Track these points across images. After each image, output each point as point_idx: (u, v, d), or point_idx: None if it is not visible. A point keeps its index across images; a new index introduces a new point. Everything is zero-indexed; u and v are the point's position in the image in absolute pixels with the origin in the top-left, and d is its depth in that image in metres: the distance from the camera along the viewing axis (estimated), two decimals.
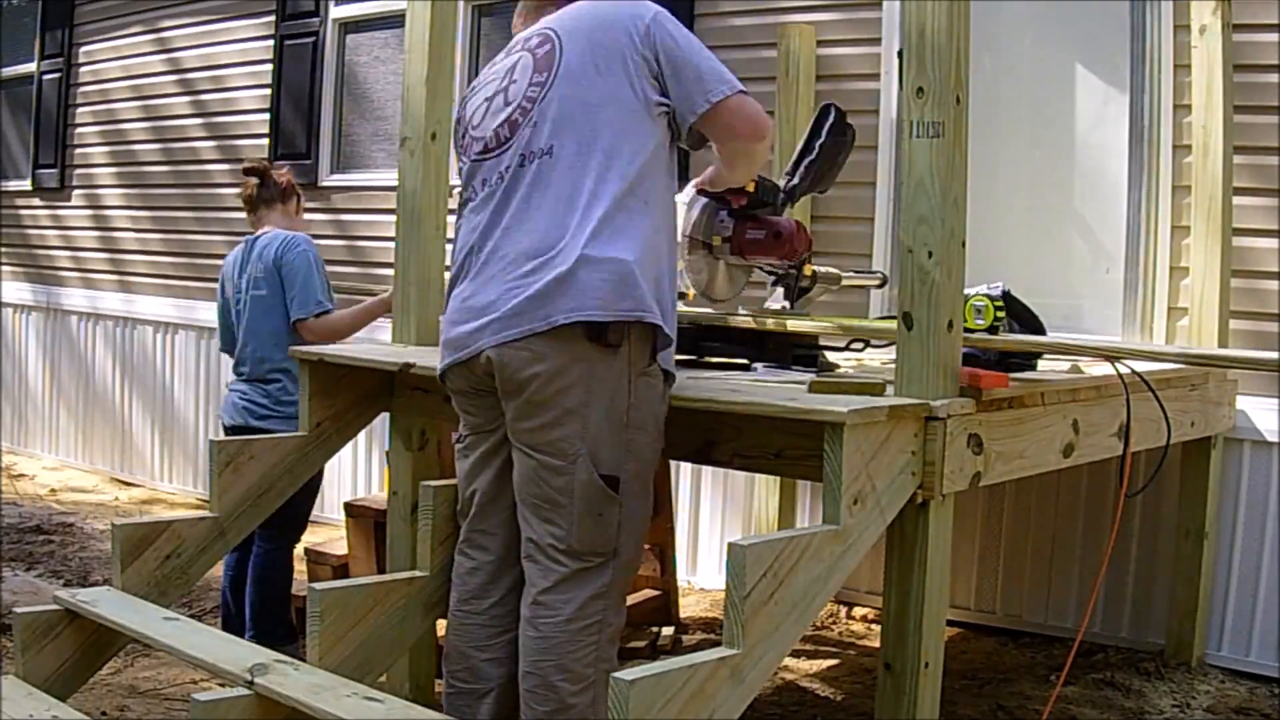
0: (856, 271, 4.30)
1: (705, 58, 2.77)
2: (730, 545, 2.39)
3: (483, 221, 2.77)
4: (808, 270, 3.67)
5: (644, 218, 2.67)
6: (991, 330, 3.17)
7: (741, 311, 3.67)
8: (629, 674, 2.22)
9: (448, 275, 3.86)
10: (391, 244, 3.83)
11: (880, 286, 4.38)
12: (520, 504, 2.79)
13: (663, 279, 2.72)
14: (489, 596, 2.89)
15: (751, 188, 3.40)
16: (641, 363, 2.68)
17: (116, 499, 7.00)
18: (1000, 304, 3.21)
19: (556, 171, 2.68)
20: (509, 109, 2.79)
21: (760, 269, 3.71)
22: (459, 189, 2.95)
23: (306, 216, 4.61)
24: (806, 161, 3.66)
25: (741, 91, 2.76)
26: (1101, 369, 3.38)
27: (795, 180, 3.66)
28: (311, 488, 4.01)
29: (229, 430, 4.22)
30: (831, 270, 3.87)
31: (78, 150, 7.96)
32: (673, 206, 2.86)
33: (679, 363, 3.35)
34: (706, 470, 5.22)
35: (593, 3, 2.85)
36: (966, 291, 3.09)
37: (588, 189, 2.65)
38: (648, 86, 2.72)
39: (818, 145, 3.66)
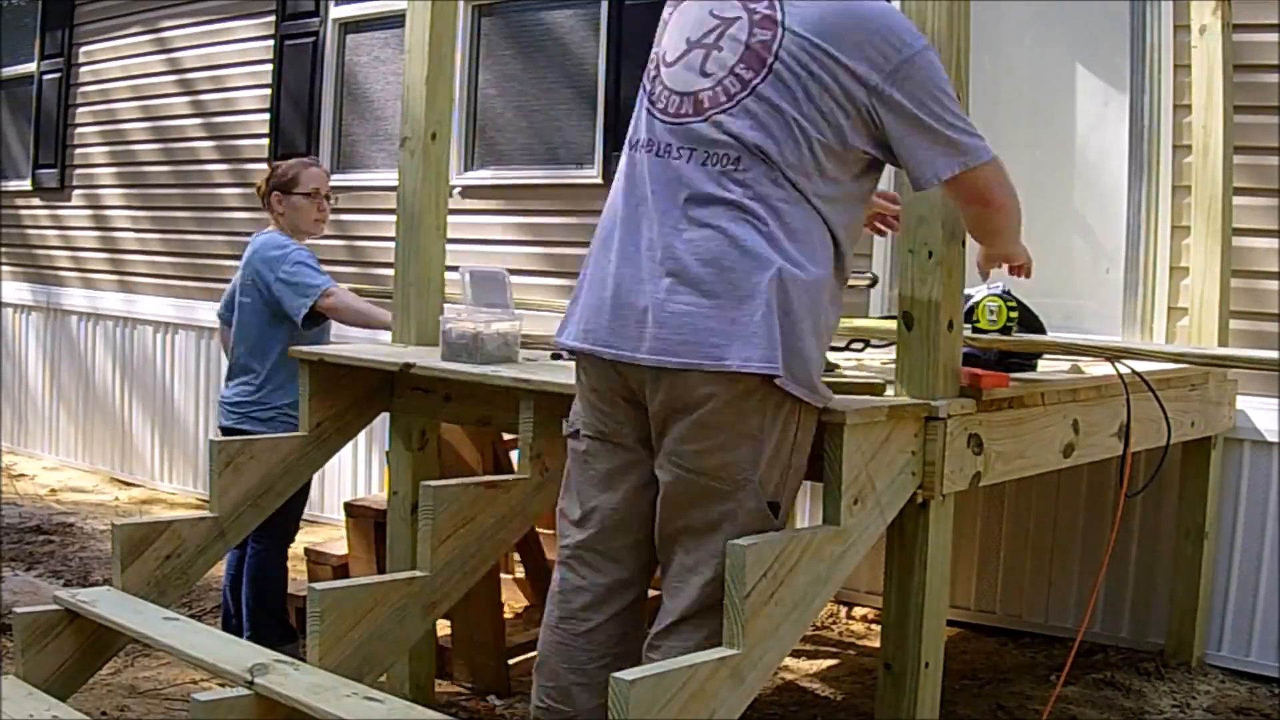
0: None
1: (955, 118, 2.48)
2: (730, 545, 2.39)
3: (648, 196, 2.48)
4: None
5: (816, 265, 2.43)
6: (1004, 331, 3.17)
7: None
8: (629, 674, 2.22)
9: (449, 275, 3.89)
10: (391, 244, 3.83)
11: (870, 286, 4.41)
12: (667, 531, 2.56)
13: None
14: (592, 620, 2.67)
15: None
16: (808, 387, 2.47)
17: (116, 499, 7.00)
18: (1013, 304, 3.21)
19: (743, 187, 2.40)
20: (706, 82, 2.46)
21: None
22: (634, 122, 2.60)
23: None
24: None
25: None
26: (1101, 369, 3.38)
27: None
28: (302, 487, 4.02)
29: (224, 432, 4.24)
30: None
31: (78, 150, 7.96)
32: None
33: None
34: None
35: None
36: (968, 291, 3.09)
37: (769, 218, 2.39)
38: (860, 131, 2.43)
39: None
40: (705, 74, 2.46)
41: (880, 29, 2.41)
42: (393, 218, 3.82)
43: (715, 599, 2.45)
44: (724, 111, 2.42)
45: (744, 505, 2.46)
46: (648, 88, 2.58)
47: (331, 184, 4.48)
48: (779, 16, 2.43)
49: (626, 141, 2.62)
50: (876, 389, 2.83)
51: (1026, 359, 3.28)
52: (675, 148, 2.46)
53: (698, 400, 2.41)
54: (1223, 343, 4.16)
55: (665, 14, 2.64)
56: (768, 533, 2.47)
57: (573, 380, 2.84)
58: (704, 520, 2.48)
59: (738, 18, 2.47)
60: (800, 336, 2.39)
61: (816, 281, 2.42)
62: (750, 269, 2.37)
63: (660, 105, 2.52)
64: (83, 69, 7.92)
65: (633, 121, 2.61)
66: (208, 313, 7.00)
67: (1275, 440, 4.19)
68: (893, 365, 2.88)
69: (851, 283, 4.27)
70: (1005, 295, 3.25)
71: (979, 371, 2.87)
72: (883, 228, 3.12)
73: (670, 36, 2.57)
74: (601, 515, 2.64)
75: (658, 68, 2.57)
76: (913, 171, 2.48)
